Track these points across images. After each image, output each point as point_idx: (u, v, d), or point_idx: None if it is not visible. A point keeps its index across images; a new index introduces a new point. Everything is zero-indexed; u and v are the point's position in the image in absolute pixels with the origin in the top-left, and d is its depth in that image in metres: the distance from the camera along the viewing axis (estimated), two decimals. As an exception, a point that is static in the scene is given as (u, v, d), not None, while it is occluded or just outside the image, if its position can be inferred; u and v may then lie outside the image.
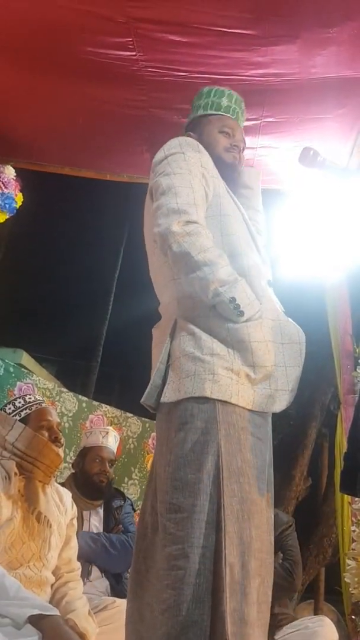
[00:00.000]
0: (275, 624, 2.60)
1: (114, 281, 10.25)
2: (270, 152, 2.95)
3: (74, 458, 3.26)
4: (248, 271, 1.64)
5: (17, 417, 2.15)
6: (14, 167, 3.18)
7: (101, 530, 2.87)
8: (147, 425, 4.29)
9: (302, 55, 2.34)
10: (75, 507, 2.27)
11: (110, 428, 3.35)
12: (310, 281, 3.32)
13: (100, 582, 2.70)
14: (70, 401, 3.97)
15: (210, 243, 1.60)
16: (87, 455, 3.01)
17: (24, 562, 1.92)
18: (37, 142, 3.09)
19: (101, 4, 2.17)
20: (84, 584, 2.26)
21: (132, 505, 3.17)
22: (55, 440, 2.15)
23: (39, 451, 2.07)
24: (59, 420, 2.27)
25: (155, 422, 4.35)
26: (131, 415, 4.28)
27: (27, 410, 2.18)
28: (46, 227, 9.98)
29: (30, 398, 2.25)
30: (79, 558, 2.23)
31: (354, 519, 2.79)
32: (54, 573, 2.05)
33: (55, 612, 1.65)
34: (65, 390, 4.21)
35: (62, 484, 2.59)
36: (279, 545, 2.87)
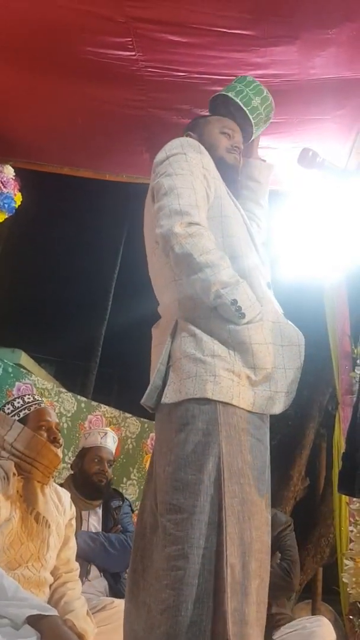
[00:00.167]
0: (273, 624, 2.60)
1: (113, 281, 10.25)
2: (269, 152, 2.95)
3: (72, 458, 3.26)
4: (249, 273, 1.64)
5: (16, 418, 2.15)
6: (13, 167, 3.18)
7: (100, 530, 2.87)
8: (145, 425, 4.30)
9: (301, 56, 2.34)
10: (74, 508, 2.27)
11: (109, 429, 3.36)
12: (308, 282, 3.32)
13: (98, 581, 2.70)
14: (69, 401, 3.97)
15: (212, 245, 1.60)
16: (86, 455, 3.02)
17: (22, 562, 1.92)
18: (36, 142, 3.08)
19: (101, 4, 2.17)
20: (83, 583, 2.26)
21: (130, 505, 3.18)
22: (54, 441, 2.15)
23: (37, 451, 2.07)
24: (57, 420, 2.27)
25: (154, 422, 4.36)
26: (130, 415, 4.28)
27: (26, 411, 2.18)
28: (45, 227, 9.98)
29: (29, 398, 2.25)
30: (78, 557, 2.24)
31: (351, 519, 2.79)
32: (52, 573, 2.05)
33: (53, 612, 1.65)
34: (64, 390, 4.21)
35: (61, 485, 2.59)
36: (277, 545, 2.87)
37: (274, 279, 1.82)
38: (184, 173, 1.70)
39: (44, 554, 1.99)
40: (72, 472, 3.11)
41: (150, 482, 1.67)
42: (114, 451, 3.15)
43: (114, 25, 2.23)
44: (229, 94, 1.99)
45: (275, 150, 2.93)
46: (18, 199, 3.19)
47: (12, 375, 3.68)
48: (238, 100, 1.97)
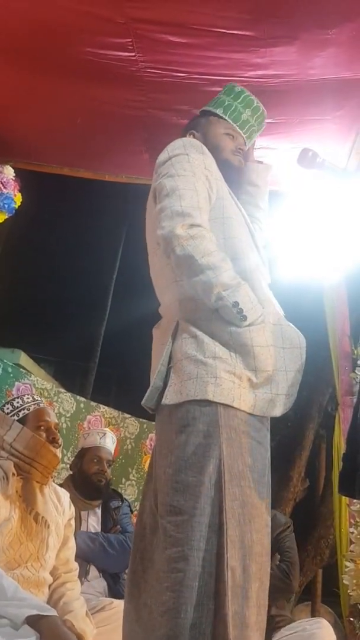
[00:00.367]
0: (273, 626, 2.60)
1: (112, 282, 10.26)
2: (269, 153, 2.95)
3: (71, 459, 3.26)
4: (250, 275, 1.64)
5: (15, 418, 2.15)
6: (13, 167, 3.18)
7: (99, 530, 2.87)
8: (144, 426, 4.29)
9: (300, 56, 2.34)
10: (73, 508, 2.27)
11: (108, 429, 3.36)
12: (308, 282, 3.32)
13: (98, 582, 2.70)
14: (68, 402, 3.97)
15: (214, 247, 1.59)
16: (85, 455, 3.02)
17: (21, 562, 1.92)
18: (36, 143, 3.08)
19: (101, 4, 2.17)
20: (82, 583, 2.26)
21: (129, 506, 3.18)
22: (53, 441, 2.15)
23: (36, 452, 2.07)
24: (56, 420, 2.27)
25: (152, 423, 4.35)
26: (129, 416, 4.28)
27: (25, 411, 2.18)
28: (45, 227, 9.98)
29: (28, 398, 2.25)
30: (77, 557, 2.23)
31: (352, 521, 2.79)
32: (51, 573, 2.05)
33: (53, 612, 1.65)
34: (63, 390, 4.20)
35: (60, 485, 2.59)
36: (277, 546, 2.86)
37: (274, 280, 1.82)
38: (186, 174, 1.69)
39: (43, 554, 1.98)
40: (71, 472, 3.10)
41: (150, 483, 1.66)
42: (113, 451, 3.15)
43: (113, 25, 2.23)
44: (218, 112, 1.96)
45: (275, 151, 2.93)
46: (18, 199, 3.19)
47: (11, 375, 3.68)
48: (227, 118, 1.94)
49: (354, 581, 2.63)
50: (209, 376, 1.51)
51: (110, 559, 2.74)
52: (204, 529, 1.41)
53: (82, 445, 3.13)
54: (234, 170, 1.89)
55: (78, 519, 2.71)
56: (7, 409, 2.19)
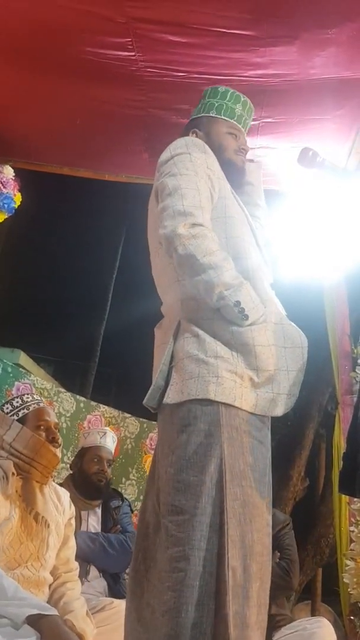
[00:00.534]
0: (273, 625, 2.59)
1: (112, 281, 10.26)
2: (269, 152, 2.96)
3: (71, 458, 3.26)
4: (252, 274, 1.64)
5: (15, 417, 2.15)
6: (12, 167, 3.18)
7: (99, 530, 2.87)
8: (144, 425, 4.29)
9: (301, 56, 2.34)
10: (73, 507, 2.27)
11: (108, 429, 3.35)
12: (308, 282, 3.32)
13: (98, 582, 2.70)
14: (68, 401, 3.97)
15: (216, 246, 1.59)
16: (85, 455, 3.02)
17: (22, 562, 1.92)
18: (36, 142, 3.08)
19: (101, 4, 2.17)
20: (82, 583, 2.26)
21: (130, 505, 3.17)
22: (53, 441, 2.15)
23: (36, 451, 2.07)
24: (56, 420, 2.27)
25: (153, 422, 4.33)
26: (129, 415, 4.28)
27: (25, 410, 2.18)
28: (44, 227, 9.98)
29: (27, 398, 2.25)
30: (77, 558, 2.23)
31: (352, 519, 2.79)
32: (51, 573, 2.05)
33: (53, 612, 1.65)
34: (63, 390, 4.20)
35: (60, 484, 2.59)
36: (276, 544, 2.86)
37: (274, 279, 1.82)
38: (189, 173, 1.68)
39: (43, 554, 1.98)
40: (71, 471, 3.10)
41: (152, 482, 1.66)
42: (113, 451, 3.15)
43: (113, 25, 2.23)
44: (211, 114, 1.94)
45: (275, 150, 2.93)
46: (18, 199, 3.19)
47: (11, 374, 3.68)
48: (223, 117, 1.93)
49: (355, 580, 2.64)
50: (211, 375, 1.51)
51: (111, 559, 2.74)
52: (204, 528, 1.41)
53: (82, 444, 3.13)
54: (236, 170, 1.88)
55: (78, 519, 2.71)
56: (7, 408, 2.19)
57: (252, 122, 2.68)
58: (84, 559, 2.57)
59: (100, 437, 3.09)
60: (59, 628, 1.61)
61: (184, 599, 1.36)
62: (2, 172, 3.11)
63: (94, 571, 2.71)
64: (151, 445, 4.23)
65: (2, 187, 3.08)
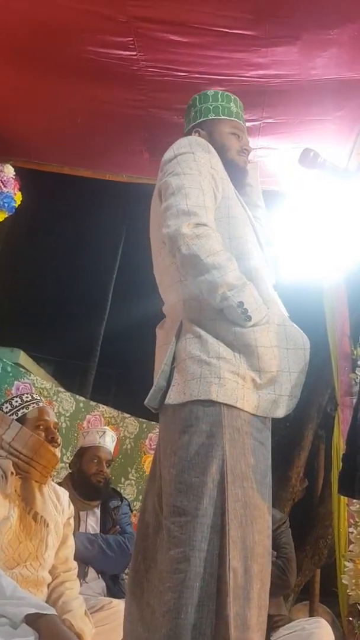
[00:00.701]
0: (271, 625, 2.59)
1: (112, 281, 10.25)
2: (270, 153, 2.96)
3: (71, 458, 3.25)
4: (255, 275, 1.63)
5: (14, 417, 2.15)
6: (13, 166, 3.18)
7: (98, 530, 2.86)
8: (144, 425, 4.29)
9: (302, 56, 2.34)
10: (72, 507, 2.27)
11: (107, 428, 3.34)
12: (308, 282, 3.32)
13: (96, 583, 2.69)
14: (67, 401, 3.97)
15: (220, 246, 1.58)
16: (85, 455, 3.00)
17: (20, 561, 1.92)
18: (36, 141, 3.08)
19: (101, 3, 2.17)
20: (80, 585, 2.25)
21: (129, 505, 3.16)
22: (52, 441, 2.14)
23: (35, 451, 2.06)
24: (56, 420, 2.27)
25: (152, 422, 4.32)
26: (128, 415, 4.28)
27: (24, 410, 2.18)
28: (45, 226, 9.98)
29: (27, 397, 2.25)
30: (75, 559, 2.23)
31: (351, 521, 2.79)
32: (50, 572, 2.05)
33: (52, 611, 1.65)
34: (62, 390, 4.20)
35: (59, 484, 2.59)
36: (273, 543, 2.84)
37: (275, 280, 1.82)
38: (192, 173, 1.67)
39: (42, 553, 1.98)
40: (70, 471, 3.09)
41: (152, 482, 1.66)
42: (112, 450, 3.14)
43: (114, 24, 2.23)
44: (210, 117, 1.92)
45: (276, 151, 2.93)
46: (18, 198, 3.19)
47: (11, 374, 3.67)
48: (225, 116, 1.92)
49: (353, 581, 2.63)
50: (213, 376, 1.50)
51: (109, 561, 2.73)
52: (205, 529, 1.41)
53: (81, 444, 3.11)
54: (238, 171, 1.88)
55: (76, 520, 2.70)
56: (6, 408, 2.19)
57: (253, 123, 2.71)
58: (82, 560, 2.56)
59: (100, 437, 3.07)
60: (58, 627, 1.61)
61: (184, 600, 1.36)
62: (3, 171, 3.11)
63: (92, 573, 2.70)
64: (150, 445, 4.23)
65: (2, 186, 3.08)
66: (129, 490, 4.07)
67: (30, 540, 1.96)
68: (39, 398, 2.29)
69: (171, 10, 2.17)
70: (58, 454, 2.17)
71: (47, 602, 1.94)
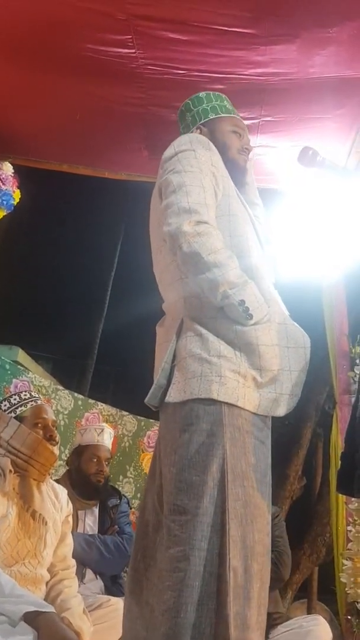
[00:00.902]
0: (270, 623, 2.59)
1: (110, 279, 10.24)
2: (268, 151, 2.96)
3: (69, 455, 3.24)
4: (256, 273, 1.63)
5: (12, 415, 2.14)
6: (12, 164, 3.17)
7: (96, 530, 2.83)
8: (142, 423, 4.29)
9: (301, 54, 2.34)
10: (70, 504, 2.26)
11: (105, 425, 3.31)
12: (307, 281, 3.32)
13: (94, 584, 2.66)
14: (66, 399, 3.97)
15: (221, 244, 1.57)
16: (83, 454, 2.97)
17: (19, 559, 1.92)
18: (35, 139, 3.08)
19: (101, 1, 2.17)
20: (78, 586, 2.24)
21: (128, 503, 3.13)
22: (50, 439, 2.14)
23: (33, 449, 2.06)
24: (54, 418, 2.26)
25: (150, 420, 4.30)
26: (127, 413, 4.28)
27: (23, 408, 2.18)
28: (43, 224, 9.96)
29: (25, 395, 2.24)
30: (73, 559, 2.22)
31: (350, 519, 2.79)
32: (49, 570, 2.05)
33: (51, 609, 1.65)
34: (61, 387, 4.20)
35: (57, 481, 2.58)
36: (266, 535, 2.85)
37: (274, 279, 1.81)
38: (193, 170, 1.66)
39: (40, 551, 1.98)
40: (68, 468, 3.05)
41: (152, 480, 1.66)
42: (110, 447, 3.11)
43: (114, 22, 2.23)
44: (210, 117, 1.91)
45: (275, 149, 2.94)
46: (17, 196, 3.18)
47: (9, 372, 3.67)
48: (225, 114, 1.91)
49: (352, 579, 2.64)
50: (214, 375, 1.50)
51: (107, 563, 2.70)
52: (205, 528, 1.41)
53: (79, 442, 3.06)
54: (239, 170, 1.87)
55: (75, 519, 2.67)
56: (5, 405, 2.19)
57: (252, 121, 2.71)
58: (80, 562, 2.52)
59: (98, 435, 3.03)
60: (56, 625, 1.61)
61: (183, 599, 1.36)
62: (2, 169, 3.10)
63: (89, 574, 2.67)
64: (149, 443, 4.23)
65: (1, 184, 3.07)
66: (127, 488, 4.07)
67: (28, 538, 1.96)
68: (37, 396, 2.29)
69: (170, 9, 2.17)
70: (56, 452, 2.17)
71: (45, 600, 1.93)
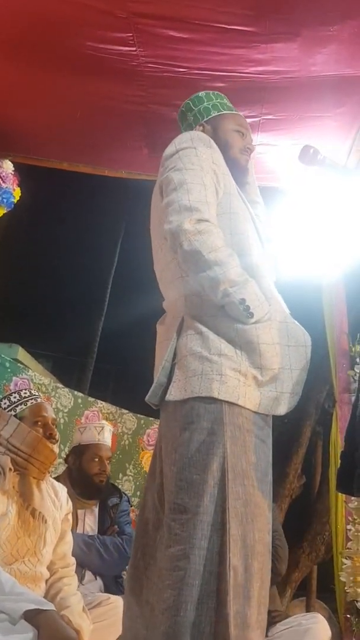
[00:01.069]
0: (269, 621, 2.59)
1: (110, 277, 10.23)
2: (269, 149, 2.95)
3: (69, 454, 3.22)
4: (257, 271, 1.62)
5: (12, 413, 2.14)
6: (12, 162, 3.17)
7: (96, 530, 2.81)
8: (142, 421, 4.29)
9: (302, 53, 2.34)
10: (70, 502, 2.26)
11: (105, 422, 3.28)
12: (307, 279, 3.31)
13: (93, 584, 2.63)
14: (65, 397, 3.97)
15: (221, 242, 1.57)
16: (84, 453, 2.91)
17: (18, 557, 1.92)
18: (35, 137, 3.08)
19: (101, -2, 2.17)
20: (77, 587, 2.24)
21: (128, 500, 3.09)
22: (50, 437, 2.14)
23: (33, 447, 2.06)
24: (54, 416, 2.26)
25: (150, 418, 4.29)
26: (126, 411, 4.28)
27: (22, 406, 2.18)
28: (43, 222, 9.96)
29: (25, 393, 2.24)
30: (72, 560, 2.21)
31: (349, 518, 2.79)
32: (48, 568, 2.05)
33: (50, 607, 1.65)
34: (60, 386, 4.20)
35: (57, 479, 2.58)
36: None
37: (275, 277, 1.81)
38: (194, 168, 1.66)
39: (40, 549, 1.98)
40: (67, 466, 3.01)
41: (152, 478, 1.66)
42: (110, 444, 3.07)
43: (114, 20, 2.23)
44: (214, 114, 1.90)
45: (276, 147, 2.93)
46: (17, 194, 3.18)
47: (9, 370, 3.67)
48: (226, 111, 1.91)
49: (351, 578, 2.64)
50: (214, 373, 1.50)
51: (106, 565, 2.68)
52: (206, 527, 1.41)
53: (79, 440, 3.01)
54: (240, 170, 1.86)
55: (74, 518, 2.65)
56: (4, 404, 2.19)
57: (253, 119, 2.71)
58: (79, 563, 2.48)
59: (98, 433, 2.99)
60: (56, 623, 1.62)
61: (183, 598, 1.36)
62: (2, 167, 3.10)
63: (89, 575, 2.65)
64: (148, 441, 4.23)
65: (1, 182, 3.07)
66: (126, 486, 4.08)
67: (28, 537, 1.96)
68: (37, 394, 2.29)
69: (171, 6, 2.17)
70: (56, 450, 2.17)
71: (45, 597, 1.93)
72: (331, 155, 2.04)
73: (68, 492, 2.31)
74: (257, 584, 1.43)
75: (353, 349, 3.12)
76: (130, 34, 2.29)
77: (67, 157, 3.26)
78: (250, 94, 2.55)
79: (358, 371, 3.05)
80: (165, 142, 1.81)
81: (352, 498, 2.73)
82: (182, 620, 1.34)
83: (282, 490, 6.72)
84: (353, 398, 2.70)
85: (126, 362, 10.74)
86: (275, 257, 1.90)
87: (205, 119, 1.90)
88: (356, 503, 2.74)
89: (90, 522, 2.82)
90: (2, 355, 3.80)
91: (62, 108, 2.78)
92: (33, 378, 3.80)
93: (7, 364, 3.71)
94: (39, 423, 2.15)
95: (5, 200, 3.09)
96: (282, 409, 1.54)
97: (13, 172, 3.16)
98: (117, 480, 4.00)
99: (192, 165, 1.67)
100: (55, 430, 2.20)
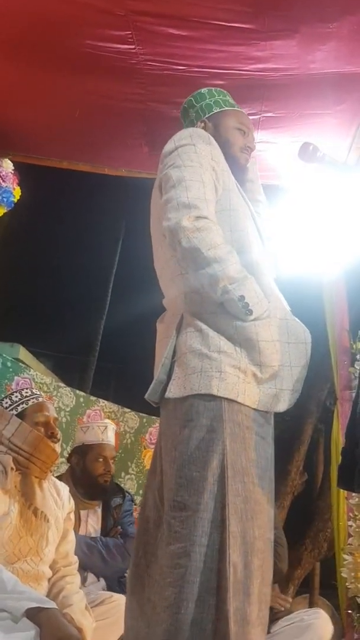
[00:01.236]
0: (271, 617, 2.60)
1: (111, 276, 10.23)
2: (269, 147, 2.95)
3: (71, 453, 3.21)
4: (256, 268, 1.62)
5: (14, 412, 2.15)
6: (11, 161, 3.17)
7: (99, 530, 2.79)
8: (144, 420, 4.30)
9: (301, 50, 2.34)
10: (72, 501, 2.27)
11: (108, 421, 3.26)
12: (307, 277, 3.31)
13: (95, 586, 2.62)
14: (67, 396, 3.97)
15: (221, 239, 1.57)
16: (88, 453, 2.89)
17: (21, 556, 1.92)
18: (35, 136, 3.07)
19: (100, -4, 2.16)
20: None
21: (132, 499, 3.08)
22: (52, 436, 2.15)
23: (34, 447, 2.06)
24: (56, 415, 2.27)
25: (152, 417, 4.30)
26: (128, 410, 4.28)
27: (24, 405, 2.18)
28: (44, 221, 9.95)
29: (27, 392, 2.25)
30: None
31: (350, 514, 2.80)
32: (51, 567, 2.05)
33: (53, 605, 1.66)
34: (62, 385, 4.20)
35: (59, 477, 2.58)
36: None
37: (275, 274, 1.81)
38: (193, 165, 1.66)
39: (42, 548, 1.99)
40: (70, 465, 2.99)
41: (152, 476, 1.66)
42: (114, 443, 3.05)
43: (113, 18, 2.22)
44: (216, 111, 1.90)
45: (275, 145, 2.93)
46: (17, 193, 3.18)
47: (10, 369, 3.68)
48: (227, 107, 1.91)
49: (353, 574, 2.65)
50: (214, 370, 1.50)
51: (109, 568, 2.67)
52: (206, 524, 1.41)
53: (82, 440, 2.98)
54: (238, 168, 1.86)
55: (77, 518, 2.64)
56: (6, 403, 2.19)
57: (253, 117, 2.70)
58: (82, 566, 2.46)
59: (102, 433, 2.96)
60: (58, 621, 1.62)
61: (184, 595, 1.36)
62: (2, 166, 3.10)
63: (91, 577, 2.65)
64: (150, 440, 4.24)
65: (1, 181, 3.07)
66: (129, 484, 4.08)
67: (30, 536, 1.96)
68: (38, 393, 2.29)
69: (170, 4, 2.17)
70: (58, 449, 2.17)
71: (47, 596, 1.94)
72: (331, 153, 2.04)
73: (70, 492, 2.31)
74: (257, 580, 1.43)
75: (354, 346, 3.13)
76: (129, 32, 2.29)
77: (67, 155, 3.26)
78: (250, 91, 2.55)
79: (359, 368, 3.05)
80: (165, 139, 1.80)
81: (353, 494, 2.73)
82: (184, 617, 1.35)
83: (284, 488, 6.73)
84: (354, 395, 2.70)
85: (128, 361, 10.74)
86: (276, 254, 1.90)
87: (206, 116, 1.89)
88: (357, 499, 2.74)
89: (93, 523, 2.81)
90: (4, 355, 3.81)
91: (61, 107, 2.78)
92: (35, 377, 3.81)
93: (9, 364, 3.71)
94: (41, 422, 2.15)
95: (5, 200, 3.09)
96: (281, 406, 1.55)
97: (13, 171, 3.16)
98: (120, 479, 4.01)
99: (191, 162, 1.66)
100: (57, 429, 2.20)
